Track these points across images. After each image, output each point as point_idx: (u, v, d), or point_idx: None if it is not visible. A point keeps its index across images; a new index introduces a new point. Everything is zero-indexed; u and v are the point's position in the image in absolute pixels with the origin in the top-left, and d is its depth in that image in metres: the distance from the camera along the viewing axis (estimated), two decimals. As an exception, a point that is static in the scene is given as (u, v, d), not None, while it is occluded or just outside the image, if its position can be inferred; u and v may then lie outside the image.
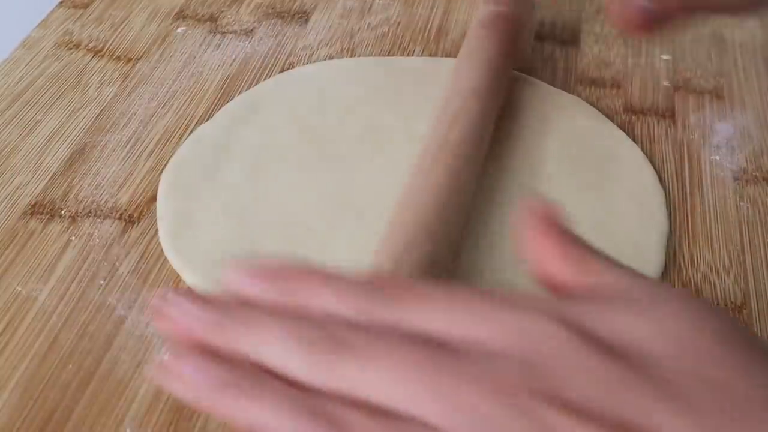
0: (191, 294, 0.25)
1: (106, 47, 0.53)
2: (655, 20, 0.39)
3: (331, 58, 0.53)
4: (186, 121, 0.48)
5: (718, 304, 0.40)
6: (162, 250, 0.40)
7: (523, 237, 0.27)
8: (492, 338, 0.23)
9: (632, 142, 0.47)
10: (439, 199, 0.37)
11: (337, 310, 0.24)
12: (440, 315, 0.24)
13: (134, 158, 0.45)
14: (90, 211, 0.42)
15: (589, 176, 0.45)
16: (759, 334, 0.39)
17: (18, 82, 0.50)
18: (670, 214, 0.44)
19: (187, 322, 0.25)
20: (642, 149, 0.47)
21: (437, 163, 0.39)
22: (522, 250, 0.27)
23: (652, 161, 0.47)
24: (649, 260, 0.41)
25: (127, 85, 0.50)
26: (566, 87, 0.51)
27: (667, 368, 0.22)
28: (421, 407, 0.22)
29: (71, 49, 0.52)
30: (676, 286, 0.40)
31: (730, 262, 0.42)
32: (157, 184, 0.43)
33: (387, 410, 0.22)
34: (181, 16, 0.56)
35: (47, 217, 0.42)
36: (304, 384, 0.23)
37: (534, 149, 0.46)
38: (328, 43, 0.54)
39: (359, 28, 0.55)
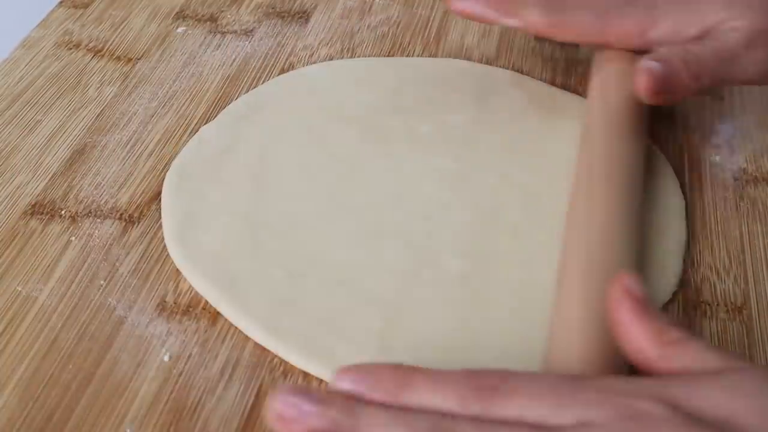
0: (304, 392, 0.28)
1: (106, 47, 0.53)
2: (664, 85, 0.41)
3: (331, 58, 0.53)
4: (186, 121, 0.48)
5: (718, 304, 0.40)
6: (162, 251, 0.40)
7: (612, 314, 0.31)
8: (592, 420, 0.26)
9: (652, 145, 0.47)
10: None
11: (437, 404, 0.28)
12: (535, 404, 0.27)
13: (134, 158, 0.45)
14: (90, 211, 0.42)
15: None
16: (759, 335, 0.39)
17: (18, 82, 0.50)
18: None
19: (308, 423, 0.28)
20: (642, 149, 0.47)
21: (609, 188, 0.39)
22: (613, 326, 0.31)
23: (652, 161, 0.47)
24: (667, 267, 0.41)
25: (127, 85, 0.50)
26: (567, 87, 0.51)
27: None
28: None
29: (71, 49, 0.52)
30: (677, 287, 0.40)
31: (730, 262, 0.42)
32: (158, 185, 0.43)
33: None
34: (181, 16, 0.56)
35: (47, 217, 0.42)
36: None
37: (538, 153, 0.46)
38: (328, 43, 0.54)
39: (359, 28, 0.55)
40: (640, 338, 0.30)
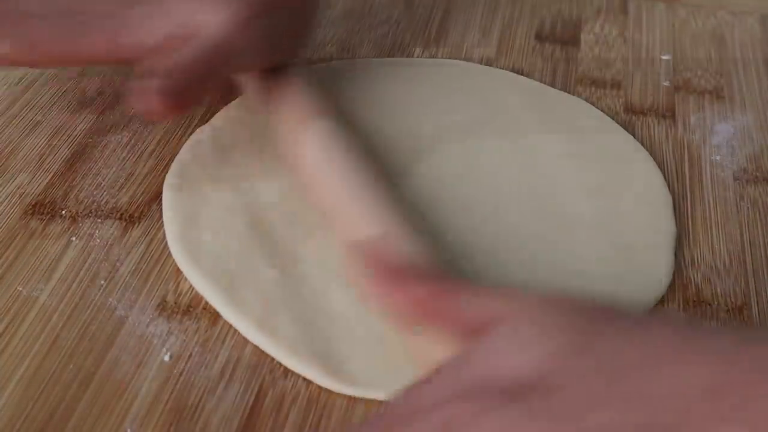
0: None
1: (107, 47, 0.53)
2: (178, 100, 0.38)
3: (331, 58, 0.53)
4: (186, 122, 0.48)
5: (718, 304, 0.40)
6: (163, 251, 0.40)
7: (370, 284, 0.32)
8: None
9: (637, 142, 0.47)
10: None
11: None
12: None
13: (135, 159, 0.45)
14: (90, 212, 0.42)
15: (595, 178, 0.45)
16: (759, 334, 0.39)
17: (18, 83, 0.50)
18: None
19: None
20: (642, 149, 0.47)
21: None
22: (373, 294, 0.32)
23: (652, 161, 0.47)
24: (659, 262, 0.41)
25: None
26: (566, 87, 0.52)
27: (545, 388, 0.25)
28: None
29: (71, 49, 0.52)
30: (677, 287, 0.40)
31: (731, 262, 0.42)
32: (158, 185, 0.44)
33: None
34: (181, 16, 0.55)
35: (48, 217, 0.42)
36: None
37: (537, 153, 0.46)
38: (328, 43, 0.54)
39: (359, 28, 0.55)
40: (408, 301, 0.31)
